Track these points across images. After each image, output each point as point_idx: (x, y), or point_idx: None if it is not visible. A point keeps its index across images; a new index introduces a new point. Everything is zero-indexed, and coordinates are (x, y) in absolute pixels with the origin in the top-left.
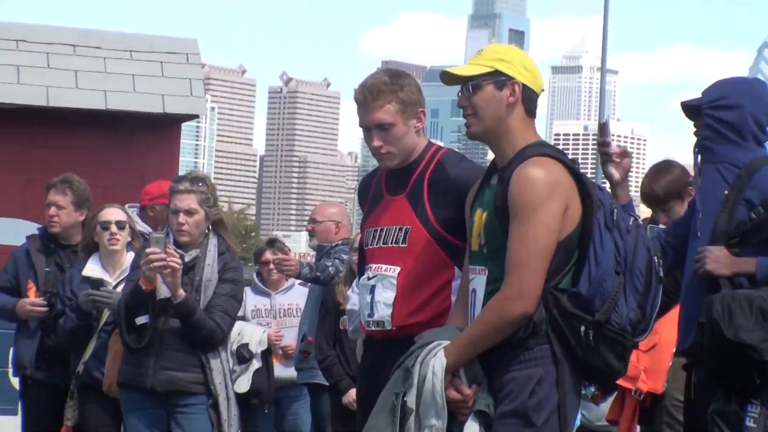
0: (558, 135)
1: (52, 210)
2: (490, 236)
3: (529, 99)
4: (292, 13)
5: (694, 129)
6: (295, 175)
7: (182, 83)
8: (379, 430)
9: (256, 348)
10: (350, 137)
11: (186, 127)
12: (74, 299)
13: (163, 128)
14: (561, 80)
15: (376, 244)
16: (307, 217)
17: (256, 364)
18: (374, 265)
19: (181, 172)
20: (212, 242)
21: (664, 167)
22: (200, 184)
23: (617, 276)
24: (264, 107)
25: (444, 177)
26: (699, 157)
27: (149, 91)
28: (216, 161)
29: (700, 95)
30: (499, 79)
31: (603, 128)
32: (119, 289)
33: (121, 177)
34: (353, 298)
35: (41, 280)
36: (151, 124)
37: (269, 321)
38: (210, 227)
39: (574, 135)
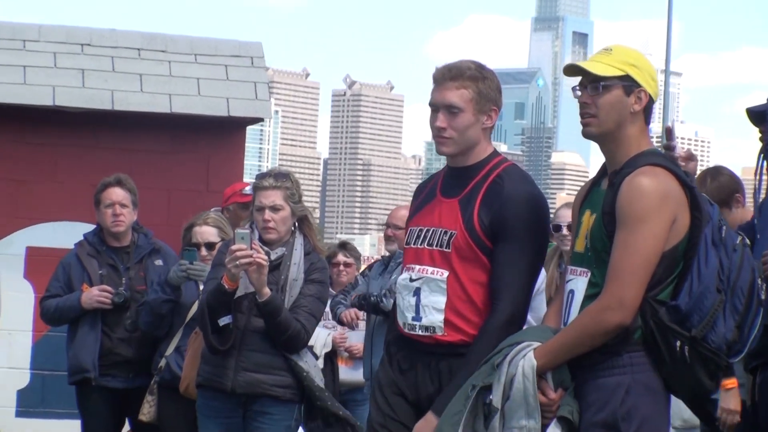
0: None
1: (117, 208)
2: (595, 239)
3: (649, 108)
4: (356, 17)
5: (759, 135)
6: (358, 178)
7: (247, 87)
8: (450, 422)
9: (321, 350)
10: (414, 140)
11: (250, 130)
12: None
13: (227, 132)
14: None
15: (420, 244)
16: (370, 220)
17: (319, 363)
18: (417, 266)
19: (246, 175)
20: (298, 241)
21: (713, 173)
22: (285, 179)
23: (718, 294)
24: (327, 110)
25: (500, 191)
26: (765, 162)
27: (214, 95)
28: (280, 164)
29: (766, 100)
30: (628, 84)
31: (668, 132)
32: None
33: (185, 180)
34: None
35: (96, 283)
36: (216, 127)
37: (335, 323)
38: (295, 225)
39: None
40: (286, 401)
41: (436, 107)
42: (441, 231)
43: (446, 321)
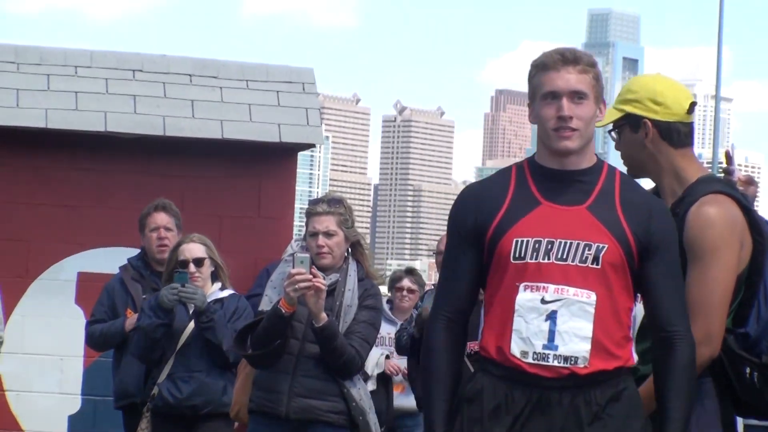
0: None
1: (162, 232)
2: None
3: (668, 130)
4: (406, 41)
5: None
6: (409, 203)
7: (298, 112)
8: None
9: (372, 370)
10: (464, 166)
11: (301, 156)
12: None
13: (279, 157)
14: None
15: (545, 259)
16: (421, 246)
17: (371, 386)
18: (552, 286)
19: (297, 201)
20: (352, 267)
21: None
22: (338, 205)
23: None
24: (378, 136)
25: (638, 198)
26: None
27: (265, 121)
28: (330, 190)
29: None
30: (633, 121)
31: (728, 156)
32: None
33: (237, 206)
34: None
35: (139, 308)
36: (268, 153)
37: (392, 350)
38: (348, 251)
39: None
40: (338, 427)
41: (557, 95)
42: (580, 244)
43: (593, 351)
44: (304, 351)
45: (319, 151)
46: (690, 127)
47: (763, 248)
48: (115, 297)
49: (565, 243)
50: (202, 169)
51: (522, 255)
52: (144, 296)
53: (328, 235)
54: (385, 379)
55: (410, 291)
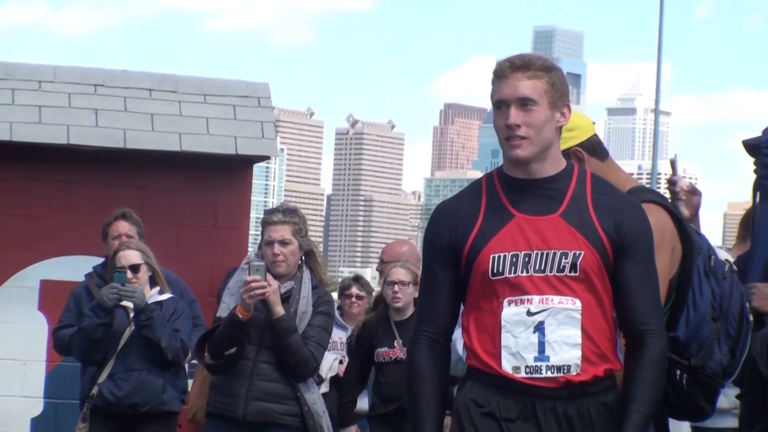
0: None
1: (123, 240)
2: None
3: (592, 147)
4: (359, 56)
5: (754, 167)
6: (361, 213)
7: (254, 126)
8: None
9: (326, 374)
10: (414, 177)
11: (257, 167)
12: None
13: (235, 169)
14: (616, 122)
15: (523, 272)
16: (372, 254)
17: (324, 388)
18: (536, 297)
19: (252, 211)
20: (306, 275)
21: None
22: (293, 215)
23: (714, 322)
24: (331, 148)
25: (610, 200)
26: (758, 194)
27: (222, 134)
28: (285, 200)
29: (761, 133)
30: (565, 156)
31: (672, 166)
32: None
33: (194, 216)
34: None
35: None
36: (224, 164)
37: (344, 355)
38: (302, 259)
39: (628, 174)
40: (293, 429)
41: (505, 103)
42: (557, 253)
43: (584, 357)
44: (261, 356)
45: (274, 163)
46: (599, 137)
47: (692, 255)
48: (82, 303)
49: (542, 254)
50: (161, 180)
51: (500, 270)
52: None
53: (283, 243)
54: (338, 382)
55: (358, 297)
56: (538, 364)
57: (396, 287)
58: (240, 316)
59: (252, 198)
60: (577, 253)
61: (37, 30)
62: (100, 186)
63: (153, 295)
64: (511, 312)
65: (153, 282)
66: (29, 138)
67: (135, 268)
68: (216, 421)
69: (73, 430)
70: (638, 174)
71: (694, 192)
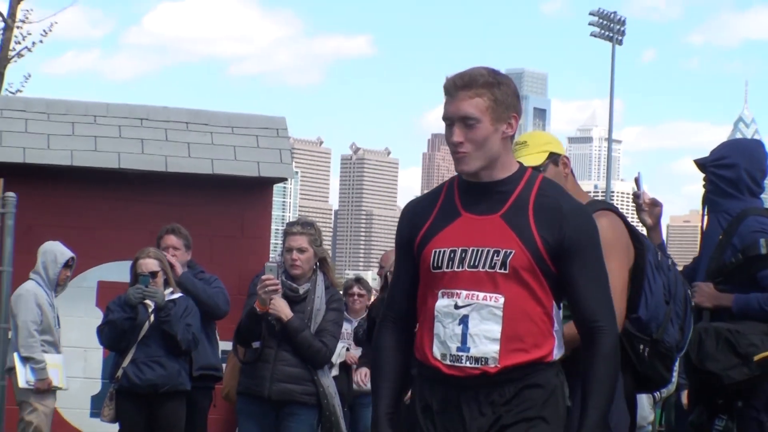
0: None
1: (171, 251)
2: None
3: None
4: (362, 92)
5: (703, 183)
6: (363, 225)
7: (273, 153)
8: None
9: (336, 359)
10: (407, 195)
11: (276, 187)
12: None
13: (258, 188)
14: (575, 148)
15: (458, 267)
16: (373, 259)
17: (334, 372)
18: (464, 292)
19: (273, 223)
20: (320, 278)
21: None
22: (310, 227)
23: (666, 305)
24: (337, 171)
25: (553, 203)
26: (705, 207)
27: (247, 159)
28: (299, 215)
29: (708, 153)
30: (555, 159)
31: (637, 182)
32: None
33: (224, 228)
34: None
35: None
36: (249, 185)
37: (350, 343)
38: (317, 264)
39: (586, 192)
40: (310, 406)
41: (450, 120)
42: (490, 251)
43: (501, 350)
44: (282, 345)
45: (290, 184)
46: None
47: (643, 252)
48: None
49: (477, 251)
50: (196, 197)
51: (439, 264)
52: None
53: (301, 251)
54: (346, 367)
55: (360, 295)
56: (460, 354)
57: None
58: (258, 310)
59: (272, 213)
60: (508, 251)
61: (92, 74)
62: (145, 203)
63: (167, 295)
64: (442, 304)
65: (166, 284)
66: (86, 163)
67: (154, 274)
68: (245, 398)
69: (102, 407)
70: (594, 192)
71: (655, 204)
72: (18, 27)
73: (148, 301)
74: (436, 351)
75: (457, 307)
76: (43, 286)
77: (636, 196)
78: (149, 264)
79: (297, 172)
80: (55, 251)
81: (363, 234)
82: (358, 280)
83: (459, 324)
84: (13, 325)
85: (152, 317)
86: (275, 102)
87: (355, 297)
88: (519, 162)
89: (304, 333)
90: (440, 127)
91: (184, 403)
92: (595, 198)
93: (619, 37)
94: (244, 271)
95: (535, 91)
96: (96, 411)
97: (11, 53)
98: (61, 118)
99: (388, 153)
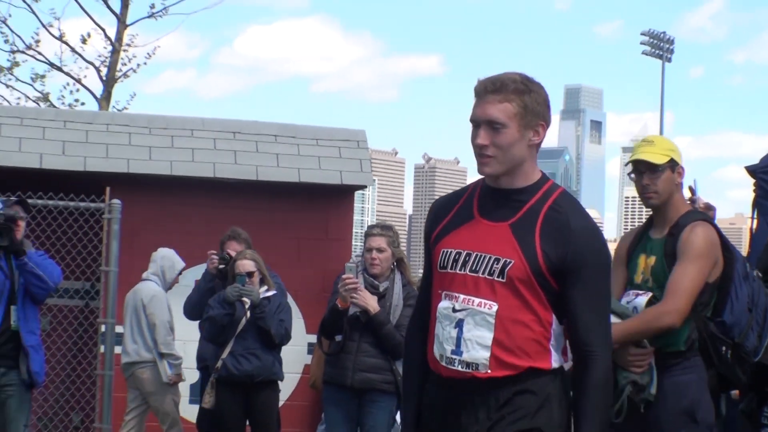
0: (627, 198)
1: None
2: (657, 274)
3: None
4: (435, 108)
5: (753, 188)
6: None
7: (354, 162)
8: None
9: None
10: None
11: (356, 194)
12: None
13: (340, 195)
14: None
15: (461, 270)
16: None
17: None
18: (462, 296)
19: (353, 226)
20: (398, 276)
21: None
22: (388, 230)
23: (749, 312)
24: (411, 179)
25: (563, 219)
26: (755, 210)
27: (331, 169)
28: (377, 219)
29: (759, 161)
30: (673, 165)
31: (691, 190)
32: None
33: (310, 231)
34: None
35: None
36: (332, 192)
37: None
38: (394, 264)
39: (637, 197)
40: (389, 393)
41: (477, 123)
42: (491, 258)
43: (492, 358)
44: (363, 338)
45: (369, 191)
46: None
47: (732, 261)
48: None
49: (480, 256)
50: (285, 204)
51: (445, 265)
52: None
53: (380, 251)
54: None
55: None
56: (454, 357)
57: None
58: (339, 306)
59: (353, 217)
60: (508, 260)
61: (188, 92)
62: (238, 209)
63: (263, 293)
64: (443, 305)
65: (262, 282)
66: (185, 172)
67: (250, 274)
68: (330, 387)
69: (203, 395)
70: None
71: (709, 208)
72: (124, 50)
73: (244, 299)
74: (436, 351)
75: (454, 310)
76: (163, 287)
77: (692, 201)
78: (246, 265)
79: (375, 180)
80: (173, 258)
81: None
82: None
83: (455, 327)
84: (147, 323)
85: (248, 313)
86: (355, 116)
87: None
88: (542, 172)
89: (387, 326)
90: None
91: (278, 391)
92: (695, 210)
93: (669, 55)
94: (328, 271)
95: (592, 105)
96: (194, 398)
97: (118, 74)
98: (161, 132)
99: (457, 162)
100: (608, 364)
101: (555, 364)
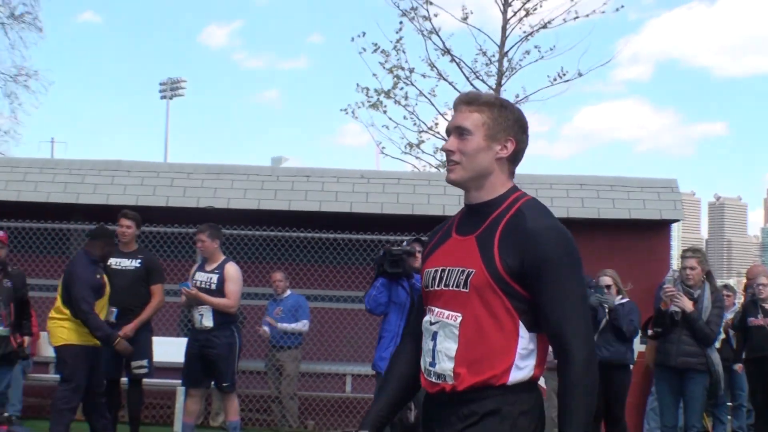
0: None
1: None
2: None
3: None
4: (720, 161)
5: None
6: (725, 250)
7: (669, 203)
8: None
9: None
10: (753, 227)
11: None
12: None
13: (660, 228)
14: None
15: (436, 286)
16: (732, 271)
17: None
18: (436, 309)
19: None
20: (707, 286)
21: None
22: (698, 252)
23: None
24: (705, 213)
25: (521, 223)
26: None
27: (654, 208)
28: (682, 244)
29: None
30: None
31: None
32: None
33: (639, 255)
34: None
35: None
36: (654, 226)
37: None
38: (704, 276)
39: None
40: (702, 372)
41: (448, 131)
42: (458, 270)
43: (456, 369)
44: (683, 331)
45: (676, 224)
46: None
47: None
48: None
49: (449, 270)
50: (620, 239)
51: (427, 284)
52: None
53: (692, 268)
54: None
55: (727, 295)
56: (430, 369)
57: (759, 287)
58: (662, 307)
59: (670, 243)
60: (470, 271)
61: (543, 156)
62: (582, 244)
63: (618, 300)
64: (426, 320)
65: (617, 292)
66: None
67: (608, 287)
68: (659, 368)
69: None
70: None
71: None
72: None
73: (604, 305)
74: (422, 365)
75: (431, 323)
76: None
77: None
78: (605, 280)
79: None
80: None
81: (725, 256)
82: (726, 286)
83: (431, 340)
84: None
85: (607, 315)
86: (663, 168)
87: (724, 296)
88: (513, 185)
89: (699, 322)
90: None
91: (630, 373)
92: None
93: None
94: (651, 285)
95: None
96: None
97: None
98: (538, 188)
99: (740, 199)
100: (585, 358)
101: (522, 376)
